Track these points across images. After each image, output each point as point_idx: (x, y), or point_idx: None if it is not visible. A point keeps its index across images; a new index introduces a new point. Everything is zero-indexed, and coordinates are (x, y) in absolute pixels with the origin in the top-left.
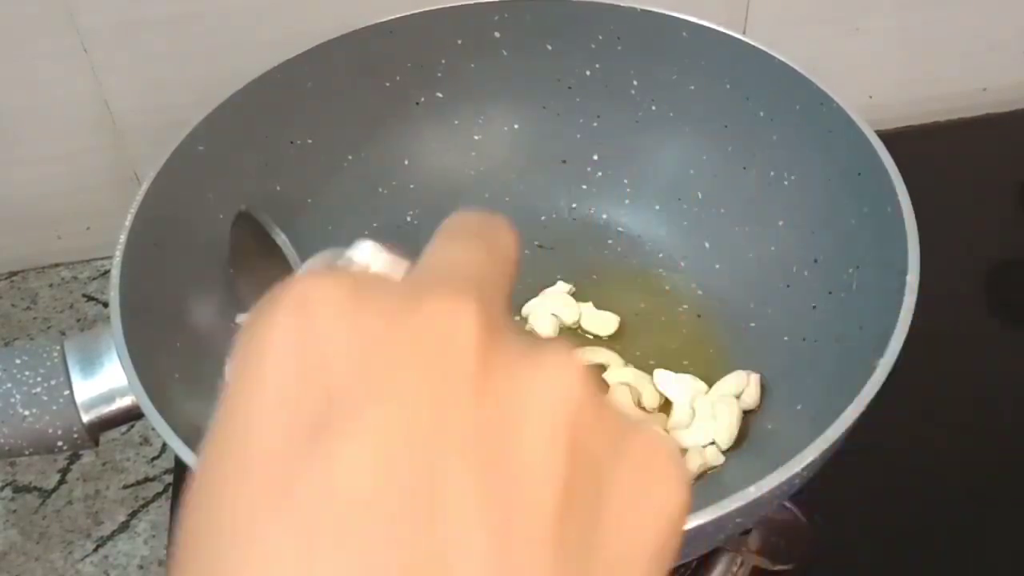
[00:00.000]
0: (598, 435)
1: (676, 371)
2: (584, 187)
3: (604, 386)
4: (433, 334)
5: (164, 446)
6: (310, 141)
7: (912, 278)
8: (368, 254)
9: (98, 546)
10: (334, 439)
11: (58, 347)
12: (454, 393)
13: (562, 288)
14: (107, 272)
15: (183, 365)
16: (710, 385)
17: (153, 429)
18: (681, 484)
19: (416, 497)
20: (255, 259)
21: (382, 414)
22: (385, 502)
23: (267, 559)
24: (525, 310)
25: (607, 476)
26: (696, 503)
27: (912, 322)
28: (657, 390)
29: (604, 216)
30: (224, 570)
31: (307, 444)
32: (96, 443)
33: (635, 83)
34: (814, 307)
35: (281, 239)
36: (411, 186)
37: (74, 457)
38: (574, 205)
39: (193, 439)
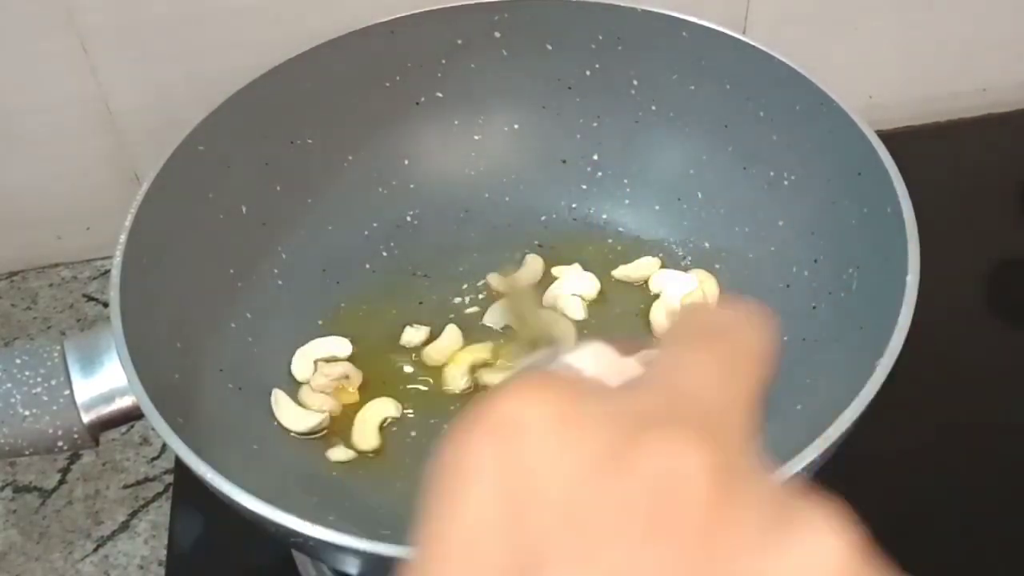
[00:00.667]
0: None
1: None
2: (584, 187)
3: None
4: (652, 486)
5: (164, 446)
6: (310, 141)
7: (912, 278)
8: (588, 358)
9: (98, 546)
10: None
11: (58, 347)
12: (675, 563)
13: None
14: (107, 272)
15: (183, 365)
16: None
17: (153, 429)
18: None
19: None
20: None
21: (595, 560)
22: None
23: None
24: (547, 300)
25: None
26: None
27: (912, 322)
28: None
29: (604, 216)
30: None
31: None
32: (96, 443)
33: (635, 83)
34: (814, 307)
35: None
36: (411, 186)
37: (74, 457)
38: (574, 205)
39: (192, 439)
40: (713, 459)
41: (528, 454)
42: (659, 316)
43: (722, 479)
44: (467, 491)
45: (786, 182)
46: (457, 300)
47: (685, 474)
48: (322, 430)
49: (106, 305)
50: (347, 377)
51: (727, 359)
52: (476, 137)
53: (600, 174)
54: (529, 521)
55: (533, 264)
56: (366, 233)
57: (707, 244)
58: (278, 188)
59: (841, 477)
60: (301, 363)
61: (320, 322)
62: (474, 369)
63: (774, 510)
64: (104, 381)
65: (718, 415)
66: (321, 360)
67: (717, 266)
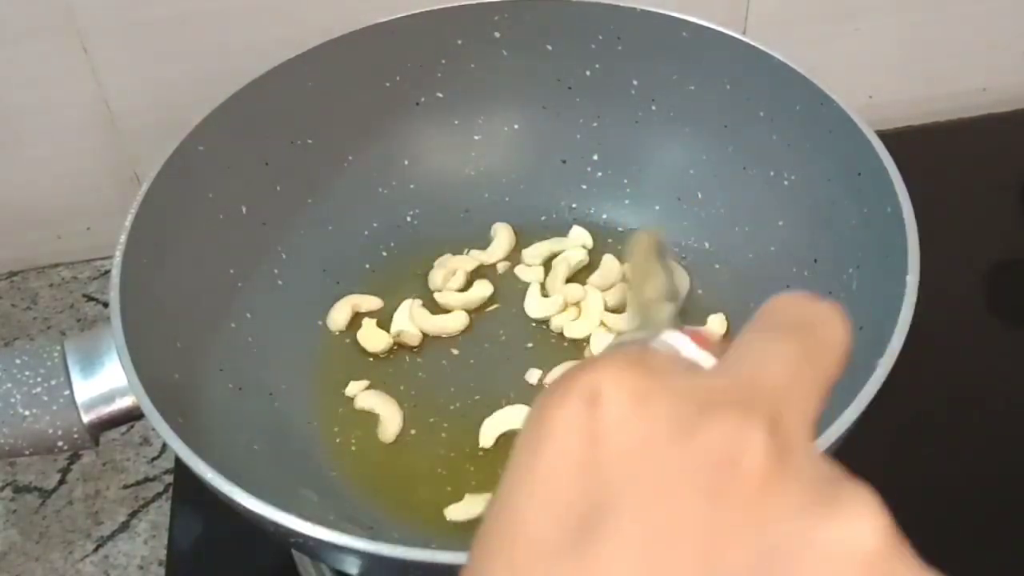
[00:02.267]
0: None
1: None
2: (584, 187)
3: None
4: (715, 455)
5: (164, 446)
6: (310, 141)
7: (912, 278)
8: (679, 344)
9: (98, 546)
10: (600, 543)
11: (58, 347)
12: (727, 520)
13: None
14: (107, 272)
15: (183, 365)
16: None
17: (153, 429)
18: None
19: None
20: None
21: (651, 527)
22: None
23: None
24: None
25: None
26: None
27: (912, 322)
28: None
29: (604, 216)
30: None
31: (573, 543)
32: (96, 443)
33: (635, 83)
34: None
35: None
36: (411, 186)
37: (74, 457)
38: (574, 205)
39: (192, 439)
40: (771, 439)
41: (606, 420)
42: None
43: (776, 456)
44: (548, 445)
45: (786, 182)
46: None
47: (744, 448)
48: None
49: (106, 305)
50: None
51: (805, 350)
52: (476, 137)
53: (600, 174)
54: (601, 472)
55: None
56: (366, 233)
57: (707, 244)
58: (278, 188)
59: None
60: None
61: (320, 322)
62: None
63: (822, 488)
64: (104, 381)
65: (785, 403)
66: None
67: (717, 266)
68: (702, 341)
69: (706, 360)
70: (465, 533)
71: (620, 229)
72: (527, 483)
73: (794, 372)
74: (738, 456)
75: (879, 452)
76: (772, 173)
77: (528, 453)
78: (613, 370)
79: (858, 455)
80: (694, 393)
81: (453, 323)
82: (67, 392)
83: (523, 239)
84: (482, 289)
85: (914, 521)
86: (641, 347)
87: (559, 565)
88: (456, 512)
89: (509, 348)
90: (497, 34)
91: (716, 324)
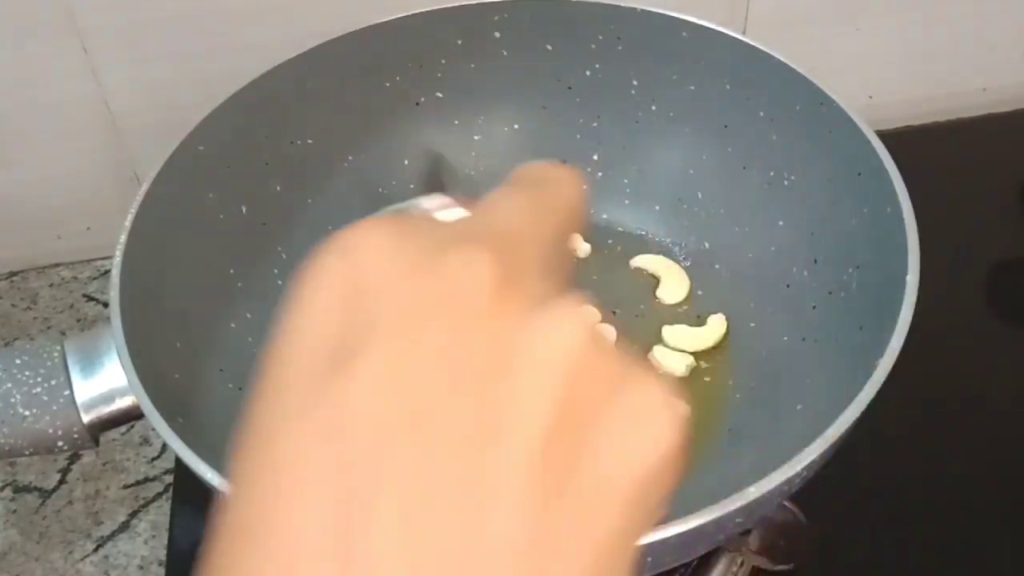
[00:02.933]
0: (595, 379)
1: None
2: (584, 188)
3: (606, 338)
4: (451, 281)
5: (164, 446)
6: (310, 141)
7: (912, 278)
8: (436, 204)
9: (98, 546)
10: (355, 363)
11: (58, 347)
12: (462, 332)
13: None
14: (107, 272)
15: (183, 365)
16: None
17: (153, 429)
18: (670, 429)
19: (415, 417)
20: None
21: (397, 343)
22: (387, 418)
23: (291, 454)
24: None
25: (598, 417)
26: (695, 504)
27: (912, 322)
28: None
29: (604, 216)
30: (260, 463)
31: (332, 370)
32: (96, 443)
33: (635, 83)
34: (814, 307)
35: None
36: (411, 186)
37: (74, 457)
38: None
39: (192, 440)
40: (495, 266)
41: (362, 265)
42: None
43: (503, 279)
44: (311, 296)
45: (786, 182)
46: None
47: (474, 273)
48: None
49: (106, 305)
50: None
51: (538, 201)
52: (476, 137)
53: (600, 174)
54: (354, 312)
55: None
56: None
57: (707, 244)
58: (278, 188)
59: (842, 476)
60: None
61: None
62: None
63: (542, 301)
64: (104, 381)
65: (516, 243)
66: None
67: (717, 266)
68: (461, 202)
69: (461, 215)
70: None
71: (620, 229)
72: (298, 322)
73: (525, 218)
74: (470, 279)
75: (879, 452)
76: (772, 173)
77: (298, 299)
78: (365, 225)
79: (858, 455)
80: (437, 236)
81: None
82: (67, 392)
83: None
84: None
85: (914, 520)
86: (395, 212)
87: (323, 383)
88: None
89: None
90: (497, 34)
91: (716, 324)
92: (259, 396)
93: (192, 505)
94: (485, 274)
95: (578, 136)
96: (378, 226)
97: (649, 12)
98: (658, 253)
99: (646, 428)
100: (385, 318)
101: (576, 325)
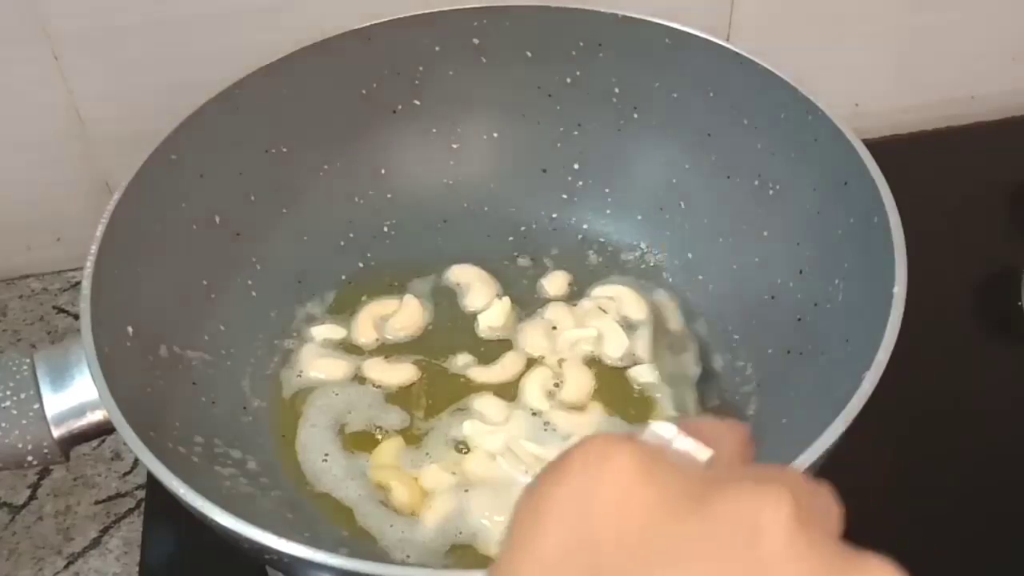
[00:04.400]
0: None
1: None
2: (564, 197)
3: None
4: (734, 521)
5: (136, 461)
6: (285, 150)
7: (899, 290)
8: (670, 434)
9: (69, 563)
10: None
11: (28, 360)
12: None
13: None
14: (78, 284)
15: (155, 379)
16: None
17: (125, 444)
18: None
19: None
20: None
21: None
22: None
23: None
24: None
25: None
26: None
27: (899, 334)
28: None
29: (585, 226)
30: None
31: None
32: (67, 458)
33: (617, 91)
34: (799, 319)
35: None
36: (388, 195)
37: (44, 472)
38: (554, 215)
39: (165, 454)
40: (795, 508)
41: (607, 490)
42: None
43: (799, 526)
44: (545, 520)
45: (771, 191)
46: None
47: (767, 514)
48: None
49: (77, 317)
50: None
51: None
52: (454, 146)
53: (581, 183)
54: (599, 549)
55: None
56: (342, 244)
57: (690, 255)
58: (252, 198)
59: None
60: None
61: (295, 334)
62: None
63: (844, 557)
64: (74, 395)
65: (805, 491)
66: None
67: (700, 277)
68: (695, 432)
69: (700, 451)
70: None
71: (602, 239)
72: (529, 551)
73: (799, 481)
74: (760, 521)
75: (866, 464)
76: (756, 182)
77: (529, 530)
78: (615, 442)
79: (845, 467)
80: (700, 473)
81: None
82: (37, 406)
83: (502, 249)
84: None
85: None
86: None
87: None
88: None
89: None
90: (476, 41)
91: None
92: None
93: (164, 521)
94: (781, 514)
95: (559, 145)
96: (628, 443)
97: (631, 18)
98: (639, 265)
99: None
100: (643, 566)
101: None
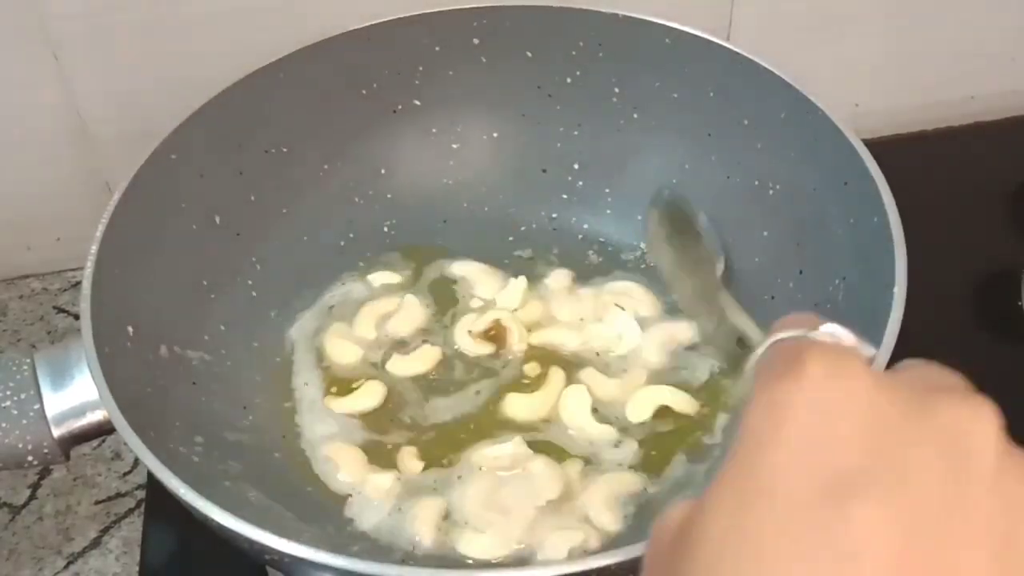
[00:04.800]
0: None
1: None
2: (565, 196)
3: None
4: (954, 433)
5: (136, 461)
6: (285, 150)
7: (899, 290)
8: (840, 334)
9: (69, 563)
10: (856, 503)
11: (28, 360)
12: (969, 487)
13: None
14: (78, 283)
15: (155, 378)
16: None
17: (125, 444)
18: None
19: (930, 572)
20: (673, 241)
21: (901, 490)
22: (901, 570)
23: None
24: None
25: None
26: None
27: (899, 335)
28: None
29: (585, 226)
30: None
31: (827, 504)
32: (67, 458)
33: (617, 91)
34: None
35: (703, 225)
36: (388, 195)
37: (44, 472)
38: (554, 215)
39: (165, 454)
40: (1000, 422)
41: (843, 398)
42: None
43: (1005, 440)
44: (787, 424)
45: (771, 192)
46: (435, 311)
47: (980, 427)
48: None
49: (77, 317)
50: None
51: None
52: (454, 146)
53: (581, 183)
54: (840, 449)
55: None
56: (342, 244)
57: None
58: (252, 198)
59: None
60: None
61: (294, 335)
62: None
63: None
64: (75, 395)
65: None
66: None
67: None
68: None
69: (867, 348)
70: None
71: (601, 239)
72: (775, 450)
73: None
74: (975, 433)
75: None
76: (756, 183)
77: (769, 423)
78: (842, 355)
79: None
80: (914, 384)
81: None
82: (37, 406)
83: (502, 249)
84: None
85: None
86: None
87: (818, 519)
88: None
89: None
90: (476, 40)
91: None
92: (730, 530)
93: (164, 521)
94: (991, 429)
95: (559, 144)
96: (855, 356)
97: (631, 18)
98: (639, 265)
99: None
100: (877, 460)
101: None
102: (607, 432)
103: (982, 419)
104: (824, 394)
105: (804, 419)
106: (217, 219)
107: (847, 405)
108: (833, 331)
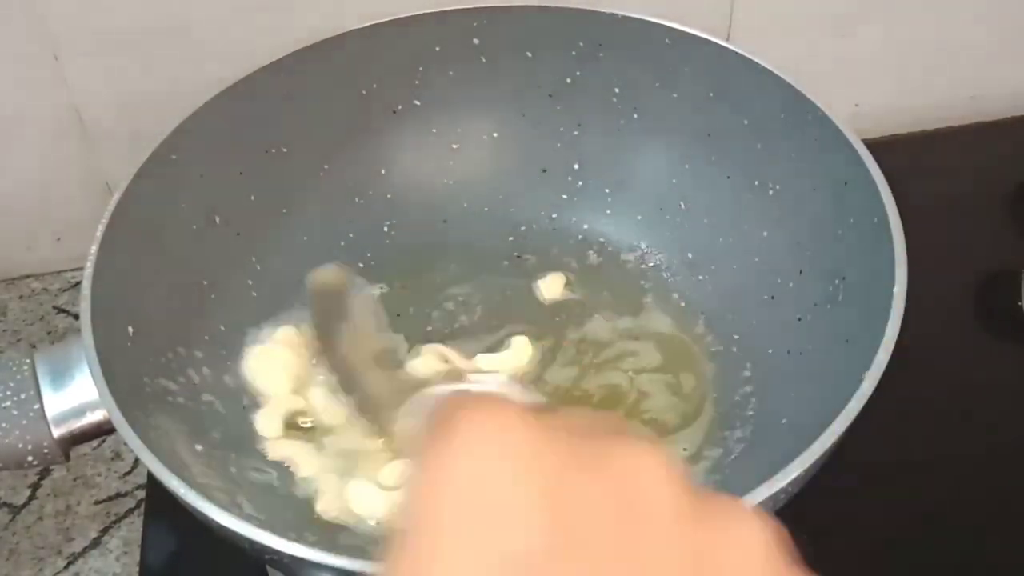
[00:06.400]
0: None
1: (658, 385)
2: (564, 197)
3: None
4: (632, 482)
5: (136, 461)
6: (285, 150)
7: (899, 290)
8: (502, 386)
9: (69, 563)
10: None
11: (28, 360)
12: (653, 540)
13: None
14: (78, 284)
15: (155, 379)
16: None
17: (125, 444)
18: None
19: None
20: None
21: (579, 567)
22: None
23: None
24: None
25: None
26: None
27: (899, 335)
28: None
29: (585, 226)
30: None
31: None
32: (67, 458)
33: (616, 91)
34: (799, 319)
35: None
36: (388, 196)
37: (44, 472)
38: (554, 215)
39: (164, 454)
40: (671, 465)
41: (502, 463)
42: None
43: (682, 480)
44: (442, 502)
45: (771, 192)
46: (435, 312)
47: (657, 474)
48: None
49: (77, 317)
50: None
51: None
52: (454, 146)
53: (581, 183)
54: (511, 529)
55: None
56: (342, 244)
57: (690, 255)
58: (252, 198)
59: (828, 491)
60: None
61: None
62: None
63: (716, 503)
64: (75, 395)
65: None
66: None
67: (700, 277)
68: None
69: (527, 393)
70: None
71: (601, 240)
72: (439, 539)
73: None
74: (650, 488)
75: (866, 465)
76: (756, 183)
77: (432, 509)
78: (496, 410)
79: (845, 469)
80: (578, 425)
81: None
82: (37, 406)
83: (502, 249)
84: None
85: (902, 534)
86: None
87: None
88: None
89: None
90: (476, 41)
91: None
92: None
93: (165, 521)
94: (665, 470)
95: (558, 145)
96: (511, 409)
97: (631, 18)
98: (639, 265)
99: None
100: (550, 538)
101: (763, 527)
102: None
103: (658, 464)
104: (483, 462)
105: (465, 494)
106: (217, 219)
107: (511, 465)
108: (495, 383)
